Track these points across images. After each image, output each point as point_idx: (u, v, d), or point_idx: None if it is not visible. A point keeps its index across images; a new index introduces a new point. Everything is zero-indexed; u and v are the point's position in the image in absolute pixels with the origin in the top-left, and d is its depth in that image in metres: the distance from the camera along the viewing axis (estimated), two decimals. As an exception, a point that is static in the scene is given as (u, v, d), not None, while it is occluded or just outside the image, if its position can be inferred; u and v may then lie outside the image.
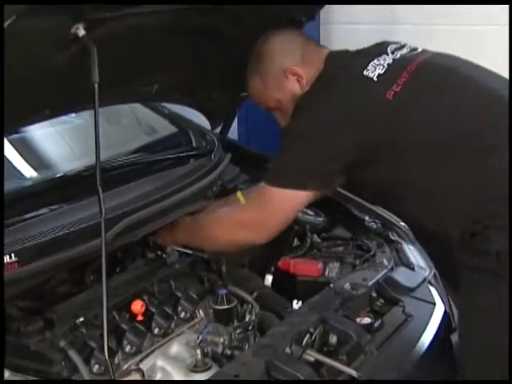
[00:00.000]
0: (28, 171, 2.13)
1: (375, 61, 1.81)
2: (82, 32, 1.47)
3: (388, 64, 1.80)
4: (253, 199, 1.96)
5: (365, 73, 1.79)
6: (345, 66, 1.86)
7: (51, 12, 1.36)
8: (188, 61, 2.00)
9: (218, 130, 2.63)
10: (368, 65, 1.80)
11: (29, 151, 2.26)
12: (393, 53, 1.85)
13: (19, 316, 1.70)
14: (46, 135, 2.39)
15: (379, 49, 1.89)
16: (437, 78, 1.84)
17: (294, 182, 1.79)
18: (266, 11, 1.94)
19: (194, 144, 2.49)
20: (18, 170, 2.13)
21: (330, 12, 3.70)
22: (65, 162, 2.32)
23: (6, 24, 1.20)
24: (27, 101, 1.59)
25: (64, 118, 2.32)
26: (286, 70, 1.93)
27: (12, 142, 2.15)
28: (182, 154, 2.35)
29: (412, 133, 1.74)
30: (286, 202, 1.83)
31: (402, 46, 1.90)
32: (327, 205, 2.30)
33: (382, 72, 1.78)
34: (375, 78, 1.77)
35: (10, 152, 2.13)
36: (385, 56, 1.83)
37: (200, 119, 2.65)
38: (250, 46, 2.00)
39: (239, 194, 2.22)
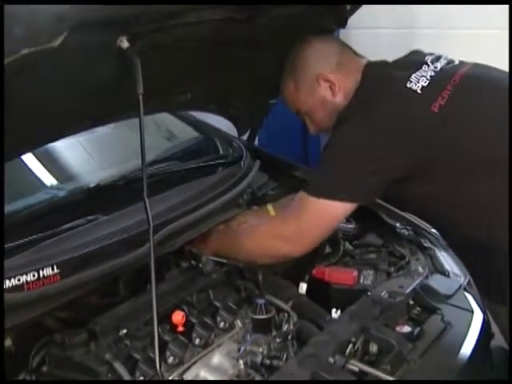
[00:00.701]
0: (62, 181, 2.14)
1: (417, 73, 1.80)
2: (125, 44, 1.47)
3: (431, 76, 1.80)
4: (290, 210, 1.93)
5: (408, 85, 1.78)
6: (386, 77, 1.85)
7: (98, 26, 1.36)
8: (221, 69, 1.99)
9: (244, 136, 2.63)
10: (410, 77, 1.79)
11: (59, 162, 2.27)
12: (432, 64, 1.85)
13: (57, 326, 1.71)
14: (73, 146, 2.39)
15: (418, 59, 1.89)
16: (480, 89, 1.85)
17: (335, 194, 1.78)
18: (300, 19, 1.94)
19: (221, 152, 2.49)
20: (52, 180, 2.13)
21: (349, 17, 3.69)
22: (93, 173, 2.31)
23: (59, 40, 1.20)
24: (70, 111, 1.59)
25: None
26: (319, 77, 1.94)
27: (45, 152, 2.16)
28: (211, 163, 2.34)
29: (460, 145, 1.74)
30: (325, 213, 1.82)
31: (439, 57, 1.91)
32: (357, 211, 2.29)
33: (425, 84, 1.77)
34: (419, 91, 1.76)
35: (43, 161, 2.14)
36: (425, 67, 1.83)
37: (223, 125, 2.65)
38: (281, 53, 2.01)
39: (269, 206, 2.22)
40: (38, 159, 2.15)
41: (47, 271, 1.59)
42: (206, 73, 1.94)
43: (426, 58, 1.89)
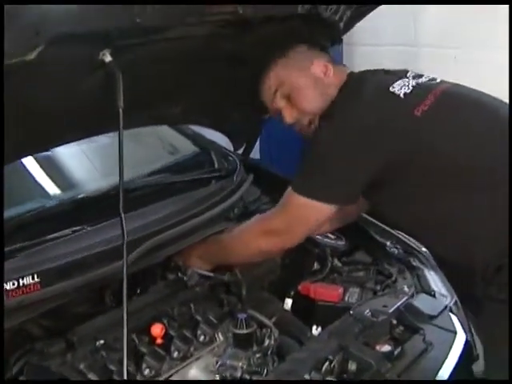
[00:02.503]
0: (52, 191, 2.15)
1: (400, 81, 1.83)
2: (108, 58, 1.49)
3: (413, 86, 1.83)
4: (277, 205, 1.95)
5: (391, 89, 1.80)
6: (370, 81, 1.88)
7: (79, 39, 1.37)
8: (212, 84, 2.00)
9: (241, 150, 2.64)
10: (393, 83, 1.82)
11: (53, 170, 2.28)
12: (414, 78, 1.88)
13: (40, 335, 1.72)
14: (71, 154, 2.40)
15: (400, 72, 1.92)
16: (461, 104, 1.85)
17: (319, 195, 1.80)
18: (291, 36, 1.95)
19: (216, 165, 2.50)
20: (42, 189, 2.15)
21: (352, 33, 3.68)
22: (89, 182, 2.33)
23: (34, 54, 1.22)
24: (54, 123, 1.61)
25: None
26: (316, 60, 1.94)
27: (37, 160, 2.17)
28: (204, 176, 2.35)
29: (440, 151, 1.74)
30: (310, 210, 1.84)
31: (421, 75, 1.92)
32: (348, 229, 2.30)
33: (408, 91, 1.80)
34: (402, 96, 1.79)
35: (34, 170, 2.16)
36: (407, 79, 1.86)
37: (222, 140, 2.66)
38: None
39: None
40: (39, 165, 2.18)
41: (27, 280, 1.61)
42: (194, 87, 1.95)
43: (409, 73, 1.92)
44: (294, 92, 1.93)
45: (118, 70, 1.49)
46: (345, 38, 3.63)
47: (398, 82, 1.83)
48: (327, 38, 2.12)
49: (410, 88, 1.81)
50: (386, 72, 1.94)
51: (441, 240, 1.85)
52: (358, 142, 1.76)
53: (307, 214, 1.86)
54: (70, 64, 1.44)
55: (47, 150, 1.87)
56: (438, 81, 1.91)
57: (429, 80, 1.89)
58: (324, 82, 1.92)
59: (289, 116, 1.96)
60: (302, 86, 1.93)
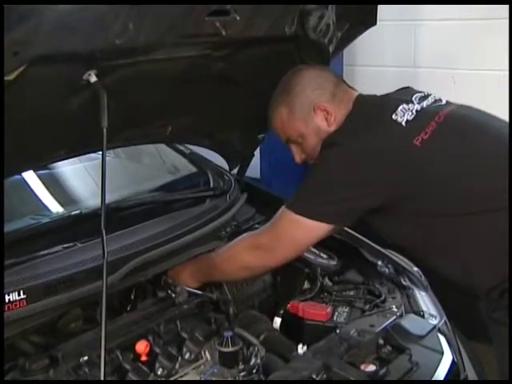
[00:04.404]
0: (48, 207, 2.18)
1: (404, 105, 1.84)
2: (93, 78, 1.52)
3: (416, 111, 1.83)
4: (268, 223, 1.97)
5: (393, 117, 1.81)
6: (374, 108, 1.89)
7: (64, 60, 1.40)
8: (202, 104, 2.02)
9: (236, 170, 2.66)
10: (397, 109, 1.83)
11: (50, 186, 2.30)
12: (419, 102, 1.88)
13: (29, 350, 1.74)
14: (68, 171, 2.44)
15: (406, 95, 1.93)
16: (463, 129, 1.86)
17: (311, 213, 1.82)
18: (280, 57, 1.98)
19: (211, 184, 2.52)
20: (38, 206, 2.18)
21: (353, 54, 3.74)
22: (85, 199, 2.36)
23: (14, 75, 1.25)
24: (41, 141, 1.64)
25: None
26: (316, 106, 1.94)
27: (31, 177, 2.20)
28: (198, 195, 2.38)
29: (439, 181, 1.76)
30: (300, 229, 1.86)
31: (427, 96, 1.93)
32: (340, 248, 2.31)
33: (410, 118, 1.81)
34: (404, 124, 1.80)
35: (30, 186, 2.20)
36: (412, 104, 1.86)
37: (220, 159, 2.69)
38: (264, 90, 2.02)
39: None
40: (32, 182, 2.21)
41: (13, 296, 1.63)
42: (185, 107, 1.98)
43: (415, 95, 1.92)
44: (303, 142, 2.00)
45: (103, 91, 1.52)
46: (345, 59, 3.72)
47: (401, 108, 1.83)
48: (316, 61, 2.13)
49: (414, 113, 1.82)
50: (391, 96, 1.96)
51: (443, 262, 1.86)
52: (356, 169, 1.78)
53: (296, 232, 1.87)
54: (56, 84, 1.46)
55: (33, 169, 1.88)
56: (444, 102, 1.92)
57: (434, 102, 1.90)
58: (328, 132, 1.93)
59: (298, 158, 2.05)
60: (308, 138, 1.97)
